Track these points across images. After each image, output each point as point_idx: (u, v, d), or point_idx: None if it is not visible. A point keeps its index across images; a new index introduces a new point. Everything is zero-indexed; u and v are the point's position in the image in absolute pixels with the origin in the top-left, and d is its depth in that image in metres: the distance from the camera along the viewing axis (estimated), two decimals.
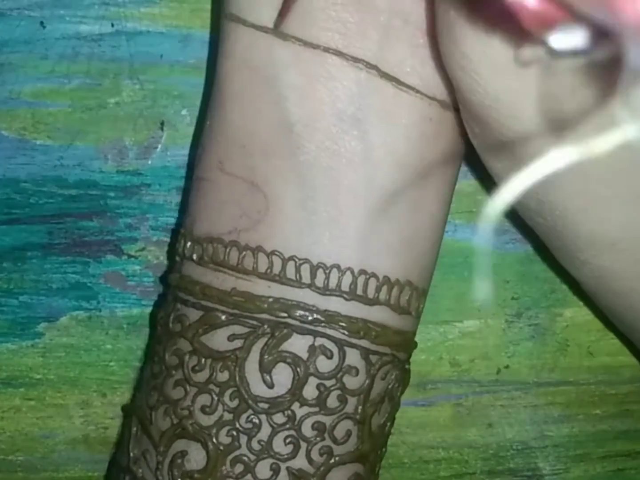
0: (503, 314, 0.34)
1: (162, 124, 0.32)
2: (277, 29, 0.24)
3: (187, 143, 0.33)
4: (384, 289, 0.25)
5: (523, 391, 0.35)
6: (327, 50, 0.24)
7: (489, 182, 0.34)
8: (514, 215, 0.30)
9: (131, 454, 0.27)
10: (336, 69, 0.24)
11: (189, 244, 0.26)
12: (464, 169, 0.33)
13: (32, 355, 0.34)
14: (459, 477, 0.36)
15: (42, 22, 0.32)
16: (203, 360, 0.25)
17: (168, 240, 0.33)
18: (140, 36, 0.32)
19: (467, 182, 0.33)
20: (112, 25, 0.32)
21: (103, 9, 0.32)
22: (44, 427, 0.35)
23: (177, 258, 0.27)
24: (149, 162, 0.33)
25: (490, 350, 0.35)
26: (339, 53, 0.24)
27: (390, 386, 0.26)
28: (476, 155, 0.33)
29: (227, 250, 0.25)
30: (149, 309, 0.34)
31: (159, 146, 0.33)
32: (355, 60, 0.24)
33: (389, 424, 0.27)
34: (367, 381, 0.26)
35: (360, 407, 0.26)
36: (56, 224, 0.33)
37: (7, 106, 0.32)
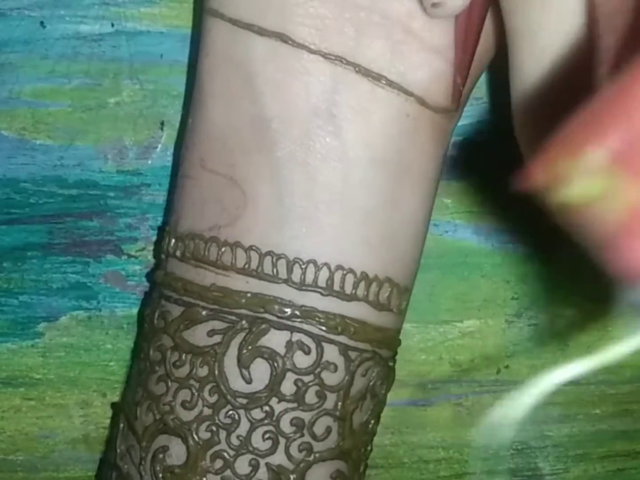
0: (503, 314, 0.34)
1: (162, 124, 0.32)
2: (254, 24, 0.24)
3: None
4: (362, 284, 0.25)
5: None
6: (302, 46, 0.24)
7: (489, 182, 0.34)
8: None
9: (118, 450, 0.27)
10: (312, 64, 0.24)
11: (172, 241, 0.27)
12: (464, 169, 0.33)
13: (32, 355, 0.34)
14: (459, 477, 0.36)
15: (42, 22, 0.32)
16: (184, 355, 0.25)
17: None
18: (140, 36, 0.32)
19: (467, 182, 0.33)
20: (112, 25, 0.32)
21: (103, 9, 0.32)
22: (44, 427, 0.35)
23: (162, 255, 0.28)
24: (149, 162, 0.33)
25: (490, 350, 0.35)
26: (314, 49, 0.24)
27: (371, 383, 0.26)
28: (476, 155, 0.34)
29: (207, 246, 0.25)
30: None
31: (159, 146, 0.33)
32: (331, 56, 0.24)
33: (372, 421, 0.27)
34: (346, 377, 0.25)
35: (339, 404, 0.26)
36: (56, 224, 0.33)
37: (7, 106, 0.32)
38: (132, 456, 0.26)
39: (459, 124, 0.32)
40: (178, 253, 0.26)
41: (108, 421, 0.34)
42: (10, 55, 0.32)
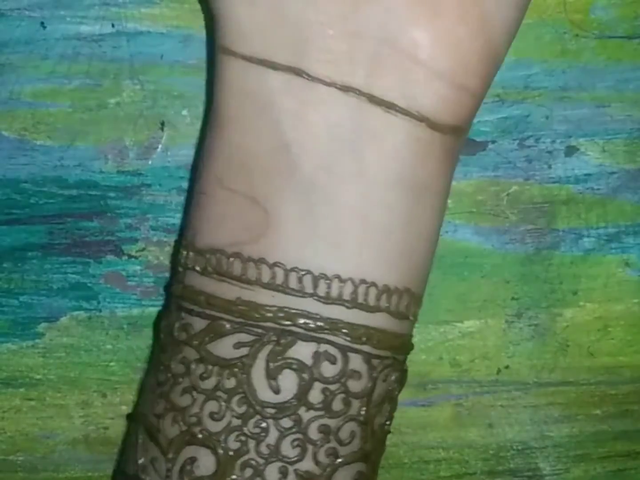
0: (503, 314, 0.34)
1: (162, 124, 0.33)
2: (267, 60, 0.25)
3: (187, 143, 0.33)
4: (384, 297, 0.26)
5: (523, 391, 0.35)
6: (317, 80, 0.25)
7: (489, 182, 0.34)
8: None
9: (139, 462, 0.27)
10: (327, 95, 0.25)
11: (191, 254, 0.27)
12: (464, 169, 0.33)
13: (32, 356, 0.34)
14: (459, 478, 0.36)
15: (42, 23, 0.32)
16: (210, 367, 0.26)
17: (168, 240, 0.33)
18: (141, 36, 0.32)
19: (467, 182, 0.33)
20: (113, 25, 0.32)
21: (103, 9, 0.32)
22: (44, 427, 0.35)
23: (180, 268, 0.28)
24: (149, 162, 0.33)
25: (490, 350, 0.35)
26: (329, 82, 0.25)
27: (390, 387, 0.27)
28: (476, 155, 0.34)
29: (230, 261, 0.26)
30: (149, 309, 0.34)
31: (159, 146, 0.33)
32: (345, 88, 0.25)
33: (388, 422, 0.28)
34: (369, 384, 0.26)
35: (364, 409, 0.26)
36: (56, 224, 0.33)
37: (7, 106, 0.32)
38: (156, 468, 0.27)
39: None
40: (198, 267, 0.27)
41: (108, 421, 0.34)
42: (11, 55, 0.32)
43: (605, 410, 0.36)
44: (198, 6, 0.32)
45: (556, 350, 0.35)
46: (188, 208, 0.28)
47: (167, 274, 0.34)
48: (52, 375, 0.34)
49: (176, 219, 0.33)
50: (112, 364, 0.34)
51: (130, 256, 0.33)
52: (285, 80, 0.25)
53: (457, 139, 0.27)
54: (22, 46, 0.32)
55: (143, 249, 0.33)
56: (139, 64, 0.32)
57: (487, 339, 0.35)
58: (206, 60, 0.32)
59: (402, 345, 0.27)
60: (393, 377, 0.27)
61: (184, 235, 0.28)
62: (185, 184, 0.33)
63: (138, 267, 0.33)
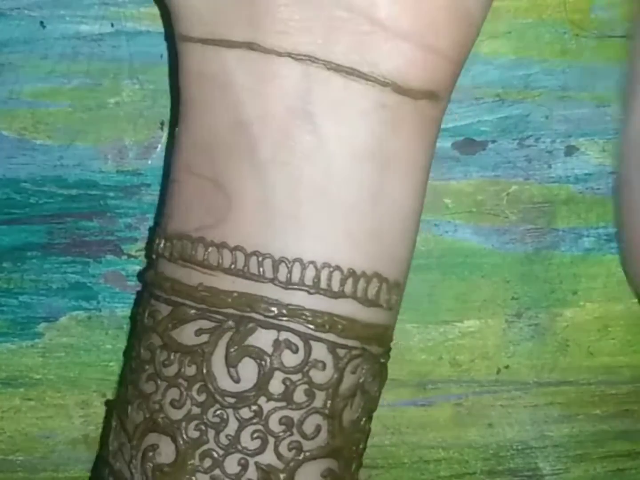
0: (503, 314, 0.34)
1: (162, 124, 0.33)
2: (223, 39, 0.25)
3: None
4: (349, 281, 0.25)
5: (523, 391, 0.35)
6: (271, 51, 0.25)
7: (489, 182, 0.34)
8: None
9: (110, 447, 0.27)
10: (283, 66, 0.25)
11: (162, 242, 0.27)
12: (464, 169, 0.33)
13: (32, 355, 0.34)
14: (459, 477, 0.36)
15: (42, 22, 0.32)
16: (172, 354, 0.26)
17: None
18: (140, 36, 0.32)
19: (467, 182, 0.33)
20: (112, 25, 0.32)
21: (103, 9, 0.32)
22: (44, 427, 0.35)
23: (153, 255, 0.28)
24: (149, 162, 0.33)
25: (490, 350, 0.35)
26: (282, 52, 0.24)
27: (361, 380, 0.26)
28: (475, 155, 0.34)
29: (194, 246, 0.26)
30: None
31: (159, 146, 0.33)
32: (300, 57, 0.24)
33: (364, 419, 0.27)
34: (335, 375, 0.25)
35: (329, 402, 0.25)
36: (56, 224, 0.33)
37: (7, 106, 0.32)
38: (123, 454, 0.26)
39: (459, 124, 0.33)
40: (167, 253, 0.26)
41: None
42: (10, 55, 0.32)
43: (605, 410, 0.36)
44: None
45: (556, 350, 0.35)
46: (163, 197, 0.28)
47: None
48: (51, 375, 0.34)
49: None
50: (111, 363, 0.34)
51: (130, 256, 0.33)
52: (241, 56, 0.25)
53: (434, 105, 0.26)
54: (22, 46, 0.32)
55: (143, 249, 0.33)
56: (138, 64, 0.32)
57: (487, 339, 0.35)
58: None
59: (374, 336, 0.26)
60: (364, 370, 0.26)
61: (158, 223, 0.28)
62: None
63: (138, 267, 0.33)
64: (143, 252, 0.33)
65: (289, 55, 0.24)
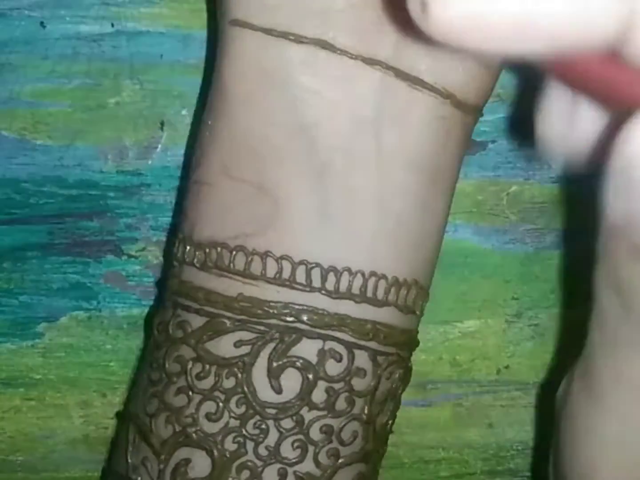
0: (503, 314, 0.34)
1: (162, 124, 0.32)
2: (290, 32, 0.24)
3: (187, 143, 0.33)
4: (393, 290, 0.25)
5: (523, 391, 0.35)
6: (343, 52, 0.24)
7: (489, 181, 0.34)
8: None
9: (129, 462, 0.26)
10: (352, 70, 0.24)
11: (188, 248, 0.26)
12: (464, 169, 0.33)
13: (32, 356, 0.34)
14: (459, 477, 0.36)
15: (42, 22, 0.32)
16: (207, 367, 0.25)
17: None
18: (141, 36, 0.32)
19: (467, 182, 0.33)
20: (112, 25, 0.32)
21: (103, 9, 0.32)
22: (44, 427, 0.35)
23: (175, 263, 0.27)
24: (149, 162, 0.33)
25: (490, 350, 0.35)
26: (355, 55, 0.24)
27: (394, 385, 0.27)
28: (476, 155, 0.33)
29: (233, 255, 0.25)
30: (149, 309, 0.34)
31: (159, 146, 0.33)
32: (371, 61, 0.24)
33: (390, 422, 0.27)
34: (373, 382, 0.26)
35: (366, 408, 0.26)
36: (56, 224, 0.33)
37: (7, 106, 0.32)
38: (148, 469, 0.26)
39: None
40: (196, 261, 0.25)
41: (108, 421, 0.34)
42: (11, 55, 0.32)
43: None
44: (198, 6, 0.32)
45: (556, 350, 0.35)
46: (183, 200, 0.28)
47: None
48: (51, 375, 0.34)
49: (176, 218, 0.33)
50: (111, 363, 0.34)
51: (130, 256, 0.33)
52: (308, 54, 0.24)
53: (475, 120, 0.26)
54: (22, 46, 0.32)
55: (143, 249, 0.33)
56: (138, 64, 0.32)
57: (487, 339, 0.35)
58: (206, 60, 0.32)
59: (407, 341, 0.27)
60: (397, 375, 0.26)
61: (179, 228, 0.27)
62: (180, 185, 0.33)
63: (138, 267, 0.33)
64: (143, 252, 0.33)
65: (362, 58, 0.24)
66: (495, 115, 0.33)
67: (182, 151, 0.33)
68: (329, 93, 0.24)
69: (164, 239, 0.33)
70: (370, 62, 0.24)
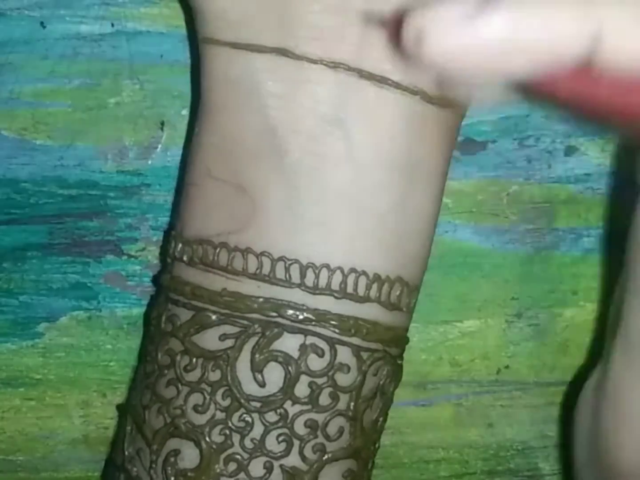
0: (503, 314, 0.34)
1: (162, 124, 0.33)
2: (252, 44, 0.25)
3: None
4: (375, 286, 0.26)
5: (523, 391, 0.35)
6: (304, 58, 0.24)
7: (489, 182, 0.34)
8: None
9: (126, 453, 0.27)
10: (315, 73, 0.25)
11: (179, 245, 0.27)
12: (464, 169, 0.33)
13: (32, 355, 0.34)
14: (459, 477, 0.36)
15: (42, 22, 0.32)
16: (194, 359, 0.26)
17: None
18: (141, 36, 0.32)
19: (467, 182, 0.33)
20: (112, 25, 0.32)
21: (103, 9, 0.32)
22: (44, 427, 0.35)
23: (168, 259, 0.28)
24: (149, 162, 0.33)
25: (490, 350, 0.35)
26: (316, 59, 0.24)
27: (382, 382, 0.27)
28: (476, 155, 0.33)
29: (217, 251, 0.26)
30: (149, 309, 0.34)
31: (159, 146, 0.33)
32: (334, 64, 0.24)
33: (381, 419, 0.28)
34: (358, 378, 0.26)
35: (352, 404, 0.26)
36: (56, 224, 0.33)
37: (7, 106, 0.32)
38: (141, 459, 0.27)
39: None
40: (185, 257, 0.26)
41: (108, 421, 0.34)
42: (10, 55, 0.32)
43: None
44: None
45: (556, 350, 0.35)
46: (178, 200, 0.28)
47: None
48: (51, 375, 0.34)
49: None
50: (111, 363, 0.34)
51: (130, 256, 0.33)
52: (271, 61, 0.25)
53: (455, 116, 0.26)
54: (22, 46, 0.32)
55: (143, 249, 0.33)
56: (138, 64, 0.32)
57: (487, 339, 0.35)
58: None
59: (394, 338, 0.27)
60: (385, 371, 0.27)
61: (173, 225, 0.28)
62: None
63: (138, 267, 0.33)
64: (143, 252, 0.33)
65: (322, 62, 0.24)
66: (495, 115, 0.33)
67: (182, 151, 0.33)
68: (294, 96, 0.25)
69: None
70: (332, 65, 0.24)
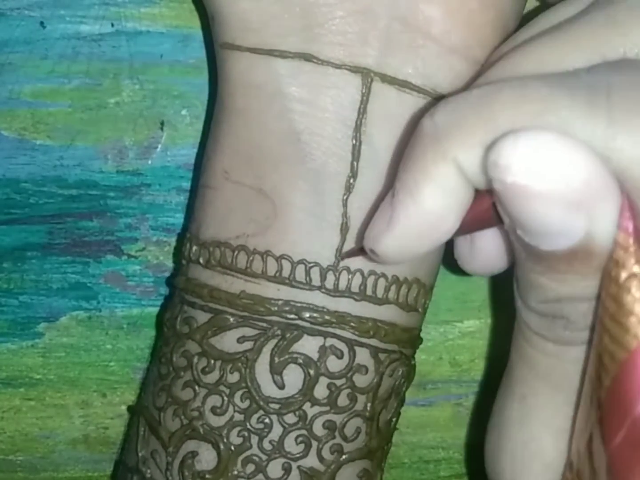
0: (503, 314, 0.34)
1: (162, 124, 0.33)
2: (275, 49, 0.25)
3: (187, 143, 0.33)
4: (393, 288, 0.26)
5: None
6: (328, 63, 0.25)
7: None
8: None
9: (139, 454, 0.27)
10: (338, 78, 0.25)
11: (194, 247, 0.27)
12: None
13: (32, 355, 0.34)
14: (459, 477, 0.36)
15: (42, 22, 0.32)
16: (212, 361, 0.26)
17: (168, 240, 0.33)
18: (140, 36, 0.32)
19: None
20: (112, 25, 0.32)
21: (103, 9, 0.32)
22: (44, 427, 0.35)
23: (183, 261, 0.28)
24: (149, 162, 0.33)
25: (491, 350, 0.35)
26: (340, 64, 0.25)
27: (397, 382, 0.27)
28: None
29: (235, 254, 0.26)
30: (149, 309, 0.34)
31: (159, 146, 0.33)
32: (357, 69, 0.25)
33: (394, 419, 0.28)
34: (375, 379, 0.26)
35: (369, 404, 0.26)
36: (56, 224, 0.33)
37: (7, 106, 0.32)
38: (156, 461, 0.26)
39: None
40: (202, 260, 0.26)
41: (108, 421, 0.34)
42: (10, 55, 0.32)
43: None
44: (198, 6, 0.32)
45: None
46: (192, 202, 0.28)
47: (167, 274, 0.34)
48: (51, 375, 0.34)
49: (176, 218, 0.33)
50: (111, 363, 0.34)
51: (130, 256, 0.33)
52: (294, 67, 0.25)
53: None
54: (22, 46, 0.32)
55: (143, 249, 0.33)
56: (138, 64, 0.32)
57: (487, 339, 0.35)
58: (207, 60, 0.32)
59: (409, 339, 0.27)
60: (400, 372, 0.27)
61: (188, 228, 0.28)
62: (185, 184, 0.33)
63: (138, 267, 0.33)
64: (143, 252, 0.33)
65: (346, 67, 0.25)
66: None
67: (182, 151, 0.33)
68: (318, 101, 0.25)
69: (163, 238, 0.33)
70: (355, 69, 0.25)
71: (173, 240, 0.33)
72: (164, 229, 0.33)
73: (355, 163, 0.25)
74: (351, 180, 0.25)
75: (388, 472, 0.35)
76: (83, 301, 0.34)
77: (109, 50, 0.32)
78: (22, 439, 0.35)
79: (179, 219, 0.33)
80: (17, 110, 0.32)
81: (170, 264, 0.33)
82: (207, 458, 0.26)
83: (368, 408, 0.26)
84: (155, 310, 0.34)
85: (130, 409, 0.30)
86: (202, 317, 0.26)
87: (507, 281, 0.34)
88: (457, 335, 0.35)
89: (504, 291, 0.34)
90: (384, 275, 0.25)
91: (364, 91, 0.25)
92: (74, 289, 0.33)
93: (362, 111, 0.25)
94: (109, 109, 0.32)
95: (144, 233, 0.33)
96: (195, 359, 0.26)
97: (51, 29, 0.32)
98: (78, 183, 0.33)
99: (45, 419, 0.34)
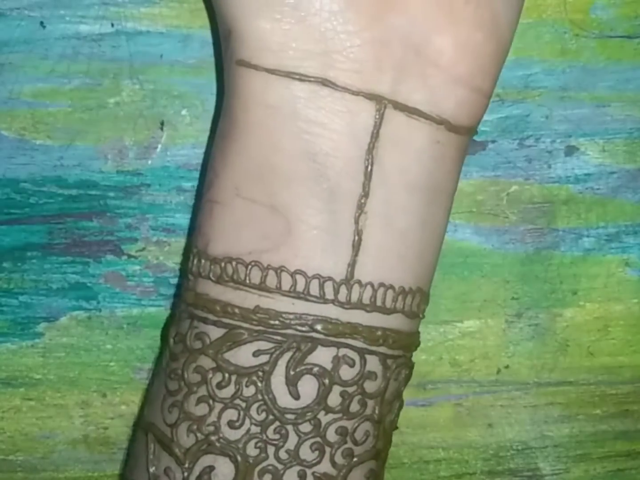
0: (503, 314, 0.34)
1: (162, 124, 0.33)
2: (293, 72, 0.26)
3: (187, 143, 0.33)
4: (400, 298, 0.27)
5: (523, 391, 0.35)
6: (345, 89, 0.26)
7: (489, 182, 0.34)
8: None
9: (150, 471, 0.27)
10: (354, 104, 0.26)
11: (203, 262, 0.27)
12: (464, 169, 0.33)
13: (32, 355, 0.34)
14: (459, 477, 0.36)
15: (42, 22, 0.32)
16: (227, 376, 0.26)
17: (168, 240, 0.33)
18: (140, 36, 0.32)
19: (467, 182, 0.33)
20: (112, 25, 0.32)
21: (103, 9, 0.32)
22: (44, 427, 0.35)
23: (190, 276, 0.28)
24: (149, 162, 0.33)
25: (490, 350, 0.35)
26: (356, 91, 0.26)
27: (400, 385, 0.28)
28: (476, 155, 0.34)
29: (249, 269, 0.26)
30: (148, 309, 0.34)
31: (159, 146, 0.33)
32: (371, 96, 0.26)
33: (396, 419, 0.28)
34: (383, 384, 0.27)
35: (377, 408, 0.27)
36: (56, 224, 0.33)
37: (7, 106, 0.32)
38: (170, 477, 0.27)
39: None
40: (212, 275, 0.27)
41: (108, 421, 0.34)
42: (10, 55, 0.32)
43: (605, 410, 0.36)
44: (198, 6, 0.32)
45: (556, 350, 0.35)
46: (197, 215, 0.28)
47: (167, 274, 0.34)
48: (51, 375, 0.34)
49: (176, 218, 0.33)
50: (111, 363, 0.34)
51: (129, 256, 0.33)
52: (312, 90, 0.26)
53: (469, 139, 0.28)
54: (22, 46, 0.32)
55: (143, 249, 0.33)
56: (138, 64, 0.32)
57: (487, 339, 0.35)
58: (207, 60, 0.32)
59: (412, 344, 0.28)
60: (403, 375, 0.28)
61: (193, 242, 0.28)
62: (185, 184, 0.33)
63: (138, 267, 0.33)
64: (143, 252, 0.33)
65: (362, 94, 0.26)
66: (495, 115, 0.33)
67: (182, 151, 0.33)
68: (333, 125, 0.26)
69: (163, 238, 0.33)
70: (370, 97, 0.26)
71: (173, 240, 0.33)
72: (164, 229, 0.33)
73: (367, 183, 0.26)
74: (363, 200, 0.26)
75: (388, 472, 0.35)
76: (83, 301, 0.34)
77: (109, 50, 0.32)
78: (22, 439, 0.35)
79: (179, 219, 0.33)
80: (17, 110, 0.32)
81: (170, 264, 0.34)
82: (224, 472, 0.26)
83: (376, 412, 0.27)
84: (155, 310, 0.34)
85: (136, 425, 0.30)
86: (215, 332, 0.26)
87: (507, 281, 0.34)
88: (457, 335, 0.35)
89: (505, 291, 0.34)
90: (391, 286, 0.26)
91: (377, 117, 0.26)
92: (74, 289, 0.33)
93: (374, 135, 0.26)
94: (109, 109, 0.32)
95: (144, 233, 0.33)
96: (210, 374, 0.26)
97: (51, 29, 0.32)
98: (78, 183, 0.33)
99: (45, 419, 0.34)
